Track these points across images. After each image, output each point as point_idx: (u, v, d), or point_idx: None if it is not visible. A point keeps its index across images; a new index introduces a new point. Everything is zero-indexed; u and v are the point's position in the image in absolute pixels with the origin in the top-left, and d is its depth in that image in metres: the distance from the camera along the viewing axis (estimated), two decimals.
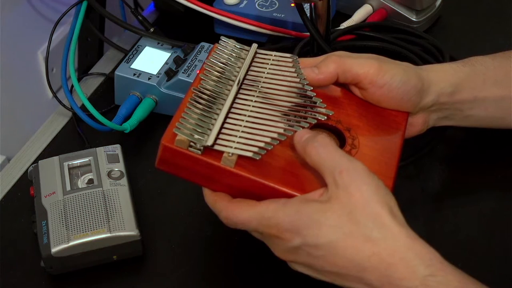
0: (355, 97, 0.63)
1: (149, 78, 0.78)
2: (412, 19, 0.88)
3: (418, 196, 0.69)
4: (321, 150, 0.54)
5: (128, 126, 0.75)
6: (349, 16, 0.89)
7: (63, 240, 0.61)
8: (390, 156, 0.59)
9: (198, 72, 0.76)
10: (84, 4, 0.83)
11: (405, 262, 0.50)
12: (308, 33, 0.76)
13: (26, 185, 0.70)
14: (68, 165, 0.68)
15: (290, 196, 0.54)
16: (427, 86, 0.63)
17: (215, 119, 0.56)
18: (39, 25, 0.88)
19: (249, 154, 0.53)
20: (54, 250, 0.61)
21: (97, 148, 0.70)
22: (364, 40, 0.83)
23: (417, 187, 0.70)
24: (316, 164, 0.54)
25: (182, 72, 0.77)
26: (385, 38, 0.82)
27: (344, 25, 0.87)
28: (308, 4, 0.73)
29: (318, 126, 0.60)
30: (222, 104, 0.57)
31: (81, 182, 0.66)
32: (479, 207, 0.68)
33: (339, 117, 0.61)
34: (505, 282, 0.61)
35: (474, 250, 0.64)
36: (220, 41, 0.63)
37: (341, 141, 0.60)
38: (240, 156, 0.54)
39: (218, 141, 0.54)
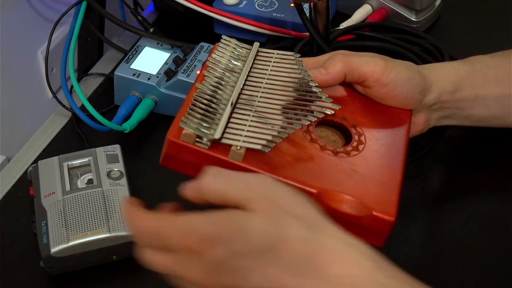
0: (359, 95, 0.64)
1: (148, 78, 0.78)
2: (412, 19, 0.88)
3: (418, 196, 0.69)
4: (218, 183, 0.49)
5: (128, 126, 0.75)
6: (348, 16, 0.89)
7: (62, 240, 0.61)
8: (397, 151, 0.59)
9: (197, 72, 0.76)
10: (84, 4, 0.83)
11: (348, 258, 0.46)
12: (308, 33, 0.76)
13: (26, 185, 0.70)
14: (67, 165, 0.68)
15: (300, 189, 0.53)
16: (429, 84, 0.63)
17: (221, 114, 0.55)
18: (39, 25, 0.88)
19: (258, 147, 0.53)
20: (53, 250, 0.61)
21: (96, 148, 0.70)
22: (364, 40, 0.83)
23: (417, 187, 0.70)
24: (222, 198, 0.48)
25: (182, 72, 0.77)
26: (385, 38, 0.82)
27: (344, 25, 0.87)
28: (308, 4, 0.73)
29: (323, 123, 0.60)
30: (227, 100, 0.57)
31: (81, 182, 0.66)
32: (479, 207, 0.68)
33: (344, 114, 0.61)
34: (505, 282, 0.61)
35: (474, 250, 0.64)
36: (221, 40, 0.63)
37: (347, 138, 0.60)
38: (247, 151, 0.53)
39: (226, 135, 0.54)
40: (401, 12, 0.88)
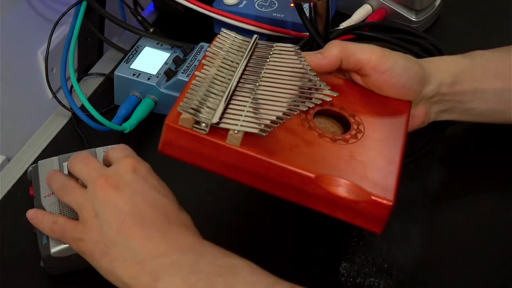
0: (357, 87, 0.64)
1: (148, 78, 0.78)
2: (412, 19, 0.88)
3: (418, 196, 0.69)
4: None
5: (128, 126, 0.75)
6: (348, 16, 0.89)
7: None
8: (395, 139, 0.59)
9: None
10: (84, 4, 0.83)
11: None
12: (308, 33, 0.76)
13: (26, 185, 0.70)
14: (67, 165, 0.68)
15: (296, 174, 0.53)
16: (428, 75, 0.63)
17: (219, 100, 0.56)
18: (39, 25, 0.88)
19: (255, 131, 0.53)
20: (53, 250, 0.60)
21: (96, 148, 0.69)
22: (364, 40, 0.83)
23: (417, 187, 0.70)
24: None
25: (182, 72, 0.77)
26: (385, 38, 0.82)
27: (344, 25, 0.87)
28: (308, 4, 0.73)
29: (322, 113, 0.61)
30: (226, 87, 0.57)
31: (80, 182, 0.66)
32: (479, 207, 0.68)
33: (342, 104, 0.61)
34: (505, 282, 0.61)
35: (473, 250, 0.64)
36: (221, 33, 0.63)
37: (346, 127, 0.60)
38: (246, 136, 0.53)
39: (223, 120, 0.54)
40: (401, 12, 0.88)
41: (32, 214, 0.61)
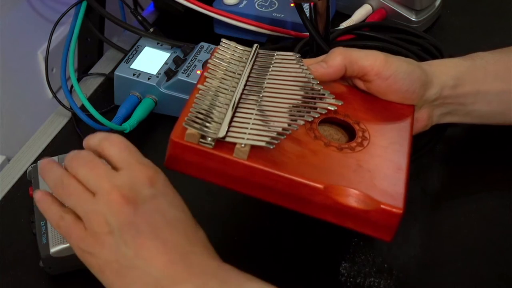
0: (360, 93, 0.64)
1: (148, 78, 0.78)
2: (412, 19, 0.88)
3: (418, 196, 0.69)
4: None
5: (128, 126, 0.75)
6: (348, 16, 0.89)
7: (61, 240, 0.61)
8: (401, 145, 0.59)
9: (197, 72, 0.76)
10: (84, 4, 0.83)
11: None
12: (308, 33, 0.76)
13: (26, 185, 0.70)
14: (64, 165, 0.68)
15: (304, 185, 0.53)
16: (430, 78, 0.64)
17: (224, 113, 0.55)
18: (39, 25, 0.88)
19: (262, 144, 0.53)
20: (53, 250, 0.61)
21: None
22: (364, 40, 0.83)
23: (417, 187, 0.70)
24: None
25: (182, 72, 0.77)
26: (385, 38, 0.82)
27: (344, 25, 0.87)
28: (308, 4, 0.73)
29: (327, 121, 0.61)
30: (230, 100, 0.57)
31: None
32: (479, 207, 0.68)
33: (346, 112, 0.61)
34: (505, 282, 0.61)
35: (474, 250, 0.64)
36: (221, 43, 0.63)
37: (351, 134, 0.60)
38: (252, 149, 0.53)
39: (229, 133, 0.54)
40: (401, 12, 0.88)
41: (40, 196, 0.54)
